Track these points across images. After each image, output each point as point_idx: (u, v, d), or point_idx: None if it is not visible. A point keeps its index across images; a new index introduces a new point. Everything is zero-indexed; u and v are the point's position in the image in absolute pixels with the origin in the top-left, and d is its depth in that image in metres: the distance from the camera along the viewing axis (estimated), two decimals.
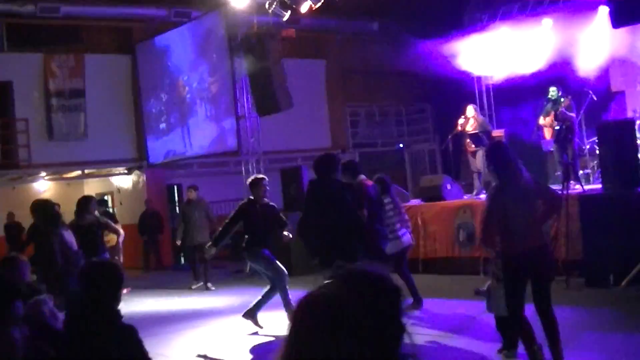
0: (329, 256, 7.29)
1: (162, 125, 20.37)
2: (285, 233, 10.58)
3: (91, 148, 20.10)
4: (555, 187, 13.27)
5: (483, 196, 14.57)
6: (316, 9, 21.12)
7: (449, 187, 15.06)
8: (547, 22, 17.55)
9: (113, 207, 21.92)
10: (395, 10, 22.90)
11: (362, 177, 9.63)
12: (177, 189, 22.07)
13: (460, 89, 19.90)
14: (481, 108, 20.37)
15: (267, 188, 10.63)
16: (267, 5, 16.76)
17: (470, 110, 15.64)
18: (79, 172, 21.53)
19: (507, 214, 6.54)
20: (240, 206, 10.73)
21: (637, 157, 12.30)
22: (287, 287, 9.97)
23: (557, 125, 14.86)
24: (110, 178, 22.52)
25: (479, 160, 15.56)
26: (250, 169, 18.14)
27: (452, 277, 13.64)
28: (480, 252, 13.83)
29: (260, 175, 11.44)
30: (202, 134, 19.01)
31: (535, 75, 16.82)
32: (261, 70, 16.99)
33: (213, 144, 18.68)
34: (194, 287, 15.14)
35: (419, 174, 23.55)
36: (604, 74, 17.44)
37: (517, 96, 19.10)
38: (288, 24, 20.99)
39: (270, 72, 16.83)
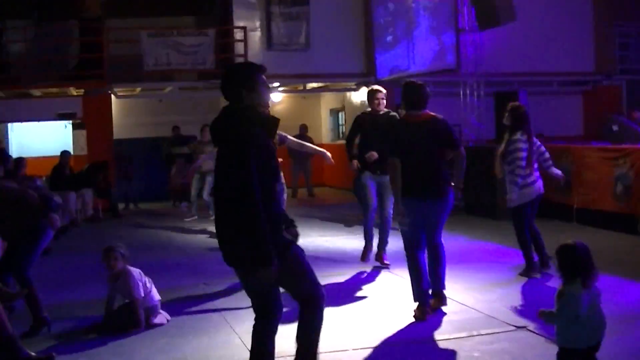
0: None
1: (389, 38, 18.39)
2: None
3: (313, 60, 18.70)
4: None
5: None
6: None
7: None
8: None
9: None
10: None
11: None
12: None
13: None
14: None
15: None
16: None
17: None
18: (313, 85, 20.28)
19: None
20: None
21: None
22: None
23: None
24: (345, 93, 21.09)
25: None
26: (469, 92, 15.85)
27: None
28: None
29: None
30: (424, 48, 16.78)
31: None
32: None
33: (434, 60, 16.43)
34: None
35: None
36: None
37: None
38: None
39: None
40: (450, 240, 7.31)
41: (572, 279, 4.56)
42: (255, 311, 4.68)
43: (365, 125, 9.53)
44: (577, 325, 4.55)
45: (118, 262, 6.99)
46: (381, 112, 9.43)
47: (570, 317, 4.54)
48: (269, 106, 4.75)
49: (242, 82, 4.53)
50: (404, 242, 7.11)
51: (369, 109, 9.57)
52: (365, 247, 9.77)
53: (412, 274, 7.05)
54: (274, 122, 4.58)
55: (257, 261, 4.31)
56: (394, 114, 9.43)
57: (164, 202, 18.61)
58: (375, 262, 9.63)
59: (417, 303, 7.04)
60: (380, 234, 9.58)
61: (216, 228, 4.54)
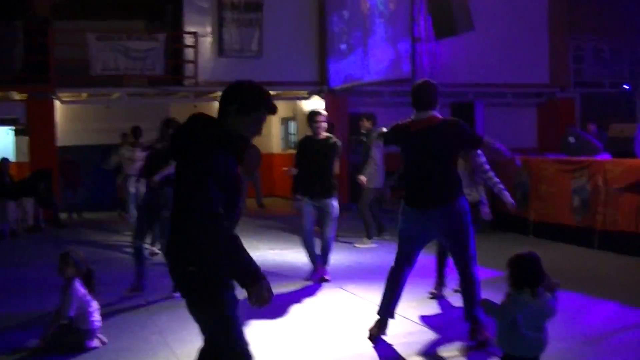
0: None
1: (343, 46, 18.06)
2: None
3: (265, 67, 18.24)
4: None
5: None
6: None
7: None
8: None
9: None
10: None
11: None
12: None
13: None
14: None
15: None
16: None
17: None
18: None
19: None
20: None
21: None
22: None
23: None
24: (297, 102, 20.62)
25: None
26: None
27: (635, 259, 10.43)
28: None
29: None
30: (378, 58, 16.48)
31: None
32: None
33: (389, 70, 16.12)
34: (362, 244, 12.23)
35: None
36: None
37: None
38: None
39: None
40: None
41: (521, 289, 4.49)
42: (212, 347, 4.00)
43: (305, 150, 9.39)
44: (515, 332, 4.47)
45: (69, 268, 6.51)
46: (321, 137, 9.30)
47: (509, 320, 4.48)
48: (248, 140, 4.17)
49: (240, 102, 3.95)
50: (397, 251, 6.53)
51: (310, 134, 9.43)
52: (313, 266, 9.47)
53: (387, 285, 6.52)
54: (243, 143, 3.99)
55: (248, 279, 3.76)
56: (336, 140, 9.37)
57: (110, 211, 17.93)
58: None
59: (377, 318, 6.56)
60: (321, 255, 9.36)
61: (170, 252, 3.95)
